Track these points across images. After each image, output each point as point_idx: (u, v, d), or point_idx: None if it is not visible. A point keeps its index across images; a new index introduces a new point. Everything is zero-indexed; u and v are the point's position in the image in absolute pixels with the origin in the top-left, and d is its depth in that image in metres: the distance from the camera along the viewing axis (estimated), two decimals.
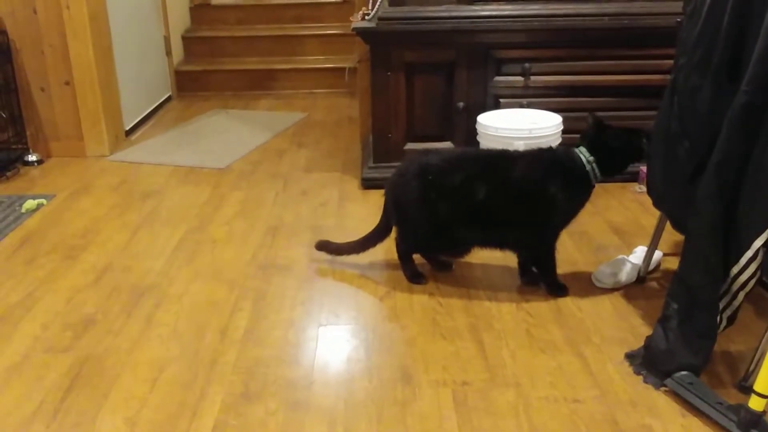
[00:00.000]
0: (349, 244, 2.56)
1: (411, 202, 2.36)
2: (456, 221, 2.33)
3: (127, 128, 4.20)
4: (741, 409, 1.68)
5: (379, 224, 2.51)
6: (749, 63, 1.70)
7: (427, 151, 2.48)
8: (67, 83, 3.73)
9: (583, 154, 2.26)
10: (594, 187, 2.30)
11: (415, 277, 2.47)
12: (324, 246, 2.60)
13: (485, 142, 2.95)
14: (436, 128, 3.29)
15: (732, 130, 1.74)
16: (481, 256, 2.52)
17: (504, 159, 2.35)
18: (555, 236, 2.35)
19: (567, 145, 2.40)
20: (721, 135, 1.76)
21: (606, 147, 2.26)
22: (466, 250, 2.47)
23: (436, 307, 2.32)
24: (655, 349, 1.93)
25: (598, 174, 2.26)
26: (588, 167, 2.25)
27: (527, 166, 2.29)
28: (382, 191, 2.49)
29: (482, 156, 2.48)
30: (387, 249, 2.62)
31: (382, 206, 2.49)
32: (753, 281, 1.80)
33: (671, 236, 2.46)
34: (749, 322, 2.12)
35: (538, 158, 2.32)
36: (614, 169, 2.29)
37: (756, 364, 1.81)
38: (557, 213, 2.28)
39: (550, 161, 2.30)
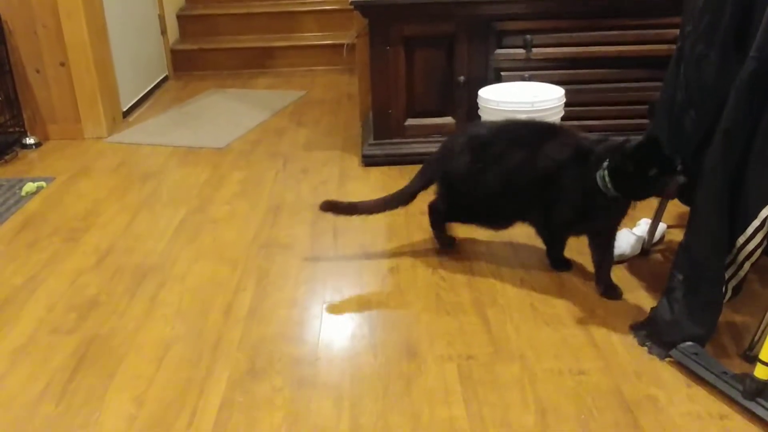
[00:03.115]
0: (365, 203, 2.49)
1: (459, 175, 2.32)
2: (498, 193, 2.27)
3: (124, 109, 4.18)
4: (746, 378, 1.69)
5: (404, 191, 2.45)
6: (757, 30, 1.67)
7: (473, 124, 2.41)
8: (63, 64, 3.70)
9: (604, 166, 2.02)
10: (613, 200, 2.04)
11: (445, 244, 2.50)
12: (333, 206, 2.49)
13: (486, 117, 2.93)
14: (437, 103, 3.27)
15: (739, 98, 1.72)
16: (485, 233, 2.51)
17: (546, 133, 2.23)
18: (560, 229, 2.28)
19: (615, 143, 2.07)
20: (728, 104, 1.74)
21: (620, 170, 1.98)
22: (508, 223, 2.38)
23: (439, 282, 2.31)
24: (660, 321, 1.94)
25: (612, 190, 2.00)
26: (599, 181, 2.02)
27: (559, 145, 2.16)
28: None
29: (529, 127, 2.31)
30: (390, 225, 2.62)
31: (417, 176, 2.45)
32: (759, 251, 1.79)
33: (675, 208, 2.46)
34: (755, 292, 2.12)
35: (573, 143, 2.15)
36: (629, 193, 2.03)
37: (761, 334, 1.81)
38: (560, 205, 2.17)
39: (580, 151, 2.11)
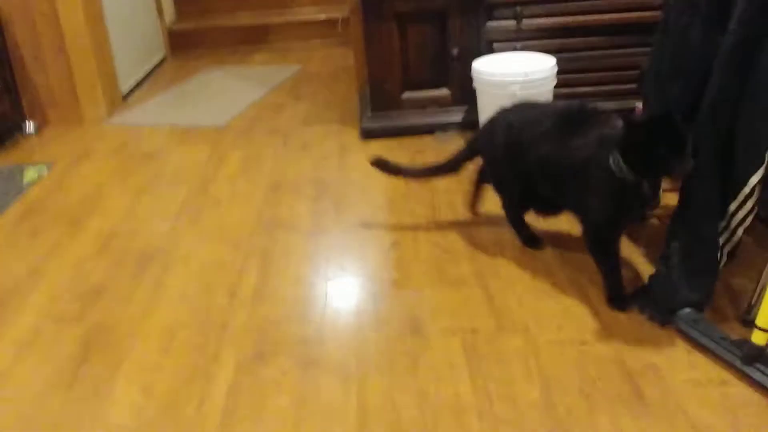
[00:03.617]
0: (413, 167, 2.61)
1: (495, 157, 2.30)
2: (530, 183, 2.19)
3: (124, 92, 4.17)
4: (744, 344, 1.71)
5: (453, 159, 2.45)
6: (738, 0, 1.67)
7: (520, 105, 2.28)
8: (61, 50, 3.69)
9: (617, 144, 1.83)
10: (635, 186, 1.84)
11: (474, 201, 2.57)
12: (381, 163, 2.56)
13: (481, 87, 2.94)
14: (432, 76, 3.27)
15: (724, 68, 1.72)
16: (486, 206, 2.52)
17: (577, 124, 2.03)
18: (602, 232, 2.01)
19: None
20: (713, 73, 1.74)
21: (630, 145, 1.79)
22: (557, 210, 2.26)
23: (441, 255, 2.33)
24: (658, 288, 1.95)
25: (625, 171, 1.80)
26: (614, 166, 1.82)
27: (583, 139, 1.97)
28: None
29: (563, 116, 2.10)
30: (390, 199, 2.63)
31: (464, 147, 2.45)
32: (750, 217, 1.81)
33: None
34: (751, 255, 2.11)
35: (596, 136, 1.94)
36: (643, 172, 1.80)
37: (757, 298, 1.82)
38: (594, 207, 1.97)
39: (606, 141, 1.89)
